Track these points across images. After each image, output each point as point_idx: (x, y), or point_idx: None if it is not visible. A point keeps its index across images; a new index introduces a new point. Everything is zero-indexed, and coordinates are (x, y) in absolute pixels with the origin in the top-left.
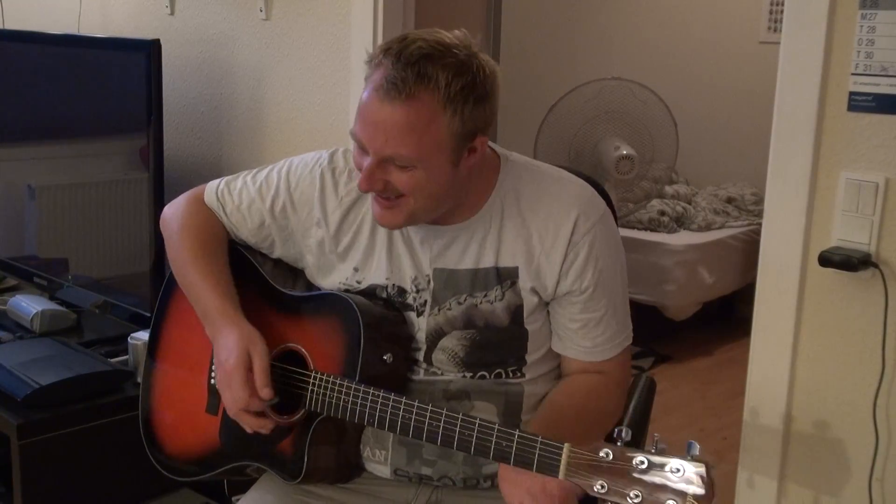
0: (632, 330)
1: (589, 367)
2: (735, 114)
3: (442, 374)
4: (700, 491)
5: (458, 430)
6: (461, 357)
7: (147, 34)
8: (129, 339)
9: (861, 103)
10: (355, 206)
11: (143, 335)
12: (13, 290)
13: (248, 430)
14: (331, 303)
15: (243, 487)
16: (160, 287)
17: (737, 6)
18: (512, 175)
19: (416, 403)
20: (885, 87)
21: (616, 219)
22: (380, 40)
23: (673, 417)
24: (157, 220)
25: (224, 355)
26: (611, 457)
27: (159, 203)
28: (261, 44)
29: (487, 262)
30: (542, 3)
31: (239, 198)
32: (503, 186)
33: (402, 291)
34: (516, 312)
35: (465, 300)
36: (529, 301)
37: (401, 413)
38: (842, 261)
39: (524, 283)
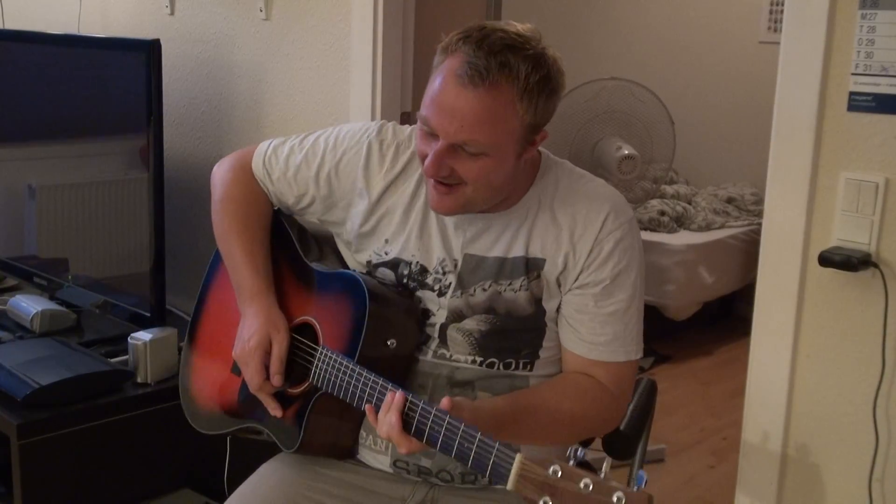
0: (641, 350)
1: (588, 368)
2: (735, 114)
3: (451, 358)
4: None
5: (429, 422)
6: (476, 338)
7: (147, 34)
8: (129, 339)
9: (861, 103)
10: (397, 181)
11: (143, 335)
12: (13, 290)
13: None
14: (346, 281)
15: None
16: (160, 287)
17: (737, 6)
18: (551, 172)
19: (397, 389)
20: (885, 87)
21: None
22: (380, 40)
23: (673, 417)
24: (157, 220)
25: (247, 334)
26: (559, 475)
27: (159, 203)
28: (261, 44)
29: (517, 251)
30: (541, 3)
31: (285, 164)
32: (542, 182)
33: (423, 270)
34: (538, 304)
35: (490, 286)
36: (551, 294)
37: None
38: (842, 261)
39: (549, 275)
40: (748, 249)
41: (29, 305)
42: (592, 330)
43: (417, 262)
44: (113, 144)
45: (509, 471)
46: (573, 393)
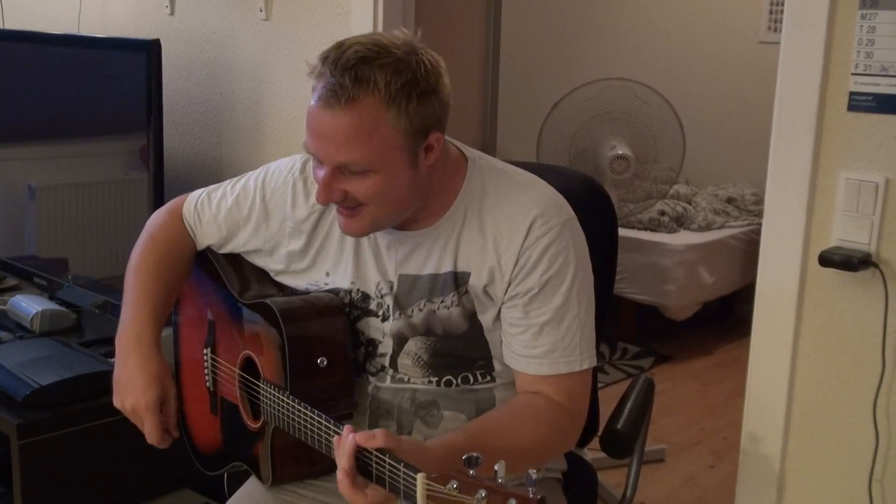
0: (593, 358)
1: (534, 385)
2: (735, 114)
3: (409, 381)
4: None
5: (360, 457)
6: (425, 360)
7: (147, 34)
8: None
9: (861, 103)
10: (326, 212)
11: None
12: (13, 290)
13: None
14: (263, 311)
15: None
16: None
17: (737, 6)
18: (478, 178)
19: (322, 421)
20: (885, 87)
21: (616, 220)
22: None
23: (673, 417)
24: None
25: (138, 390)
26: (457, 488)
27: (159, 203)
28: (261, 44)
29: (447, 267)
30: (542, 3)
31: (217, 208)
32: (468, 190)
33: (365, 297)
34: (472, 318)
35: (425, 306)
36: (484, 307)
37: (309, 428)
38: (842, 261)
39: (476, 288)
40: (748, 249)
41: (29, 305)
42: (525, 343)
43: (358, 290)
44: (113, 144)
45: (415, 491)
46: (530, 417)
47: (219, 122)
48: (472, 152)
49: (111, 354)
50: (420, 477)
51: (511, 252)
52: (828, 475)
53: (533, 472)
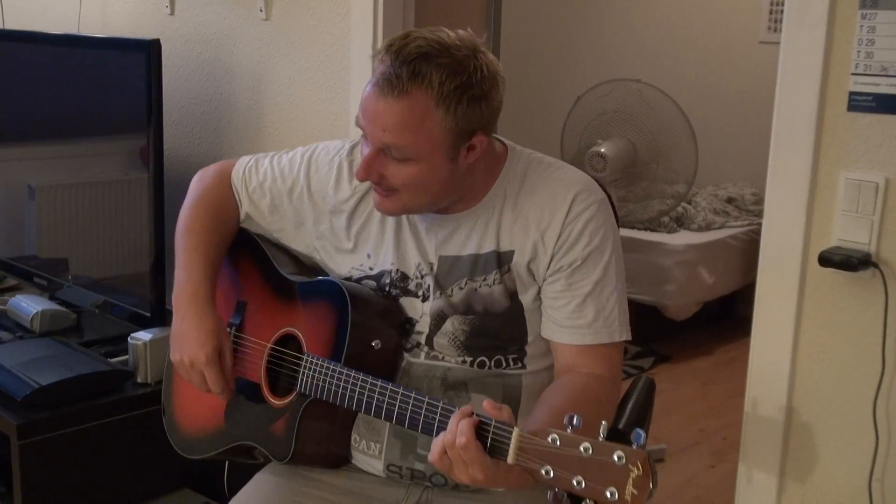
0: (628, 331)
1: (576, 358)
2: (735, 114)
3: (443, 359)
4: (641, 477)
5: (423, 412)
6: (461, 341)
7: (147, 34)
8: (129, 339)
9: (861, 103)
10: (368, 195)
11: (143, 335)
12: (13, 290)
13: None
14: (326, 288)
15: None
16: (160, 287)
17: (737, 6)
18: (517, 164)
19: (387, 385)
20: (885, 87)
21: (618, 220)
22: (380, 40)
23: (673, 417)
24: (157, 220)
25: (195, 346)
26: (558, 443)
27: (159, 203)
28: (261, 44)
29: (489, 247)
30: (542, 3)
31: (263, 176)
32: (507, 175)
33: (404, 277)
34: (513, 297)
35: (466, 284)
36: (525, 286)
37: (375, 396)
38: (842, 261)
39: (519, 265)
40: (748, 249)
41: (29, 305)
42: (569, 314)
43: (398, 270)
44: (113, 144)
45: (508, 445)
46: (592, 399)
47: (219, 122)
48: (511, 143)
49: (111, 354)
50: (516, 430)
51: (554, 226)
52: (828, 475)
53: (641, 432)
